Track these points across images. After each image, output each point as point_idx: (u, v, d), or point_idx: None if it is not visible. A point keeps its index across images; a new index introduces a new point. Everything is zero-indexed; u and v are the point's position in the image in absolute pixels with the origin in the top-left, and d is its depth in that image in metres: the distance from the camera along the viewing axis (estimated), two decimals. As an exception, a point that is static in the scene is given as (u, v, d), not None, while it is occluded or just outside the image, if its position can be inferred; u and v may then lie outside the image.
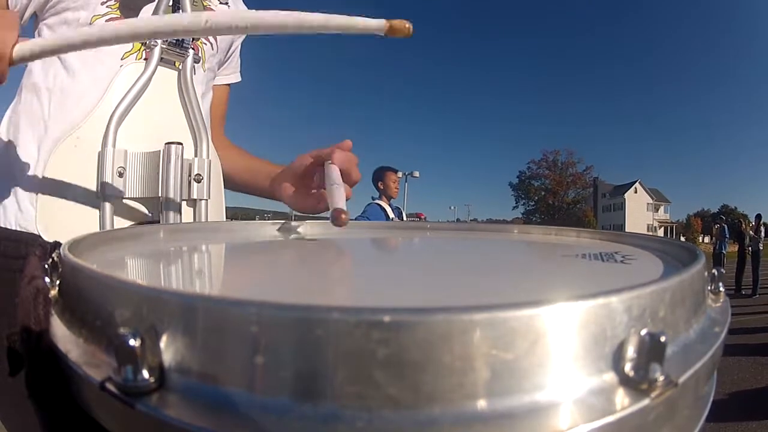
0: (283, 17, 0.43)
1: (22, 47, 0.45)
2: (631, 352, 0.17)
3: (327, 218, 0.50)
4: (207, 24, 0.41)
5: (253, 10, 0.44)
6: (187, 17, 0.43)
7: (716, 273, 0.28)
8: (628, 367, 0.17)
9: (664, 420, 0.17)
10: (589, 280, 0.34)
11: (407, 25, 0.44)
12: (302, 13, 0.43)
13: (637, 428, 0.16)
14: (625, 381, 0.17)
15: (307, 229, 0.60)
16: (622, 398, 0.17)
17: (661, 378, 0.17)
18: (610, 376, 0.17)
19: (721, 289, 0.28)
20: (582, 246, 0.49)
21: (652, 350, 0.17)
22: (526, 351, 0.16)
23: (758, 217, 8.08)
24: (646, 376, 0.17)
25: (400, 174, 3.63)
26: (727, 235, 8.41)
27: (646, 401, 0.16)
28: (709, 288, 0.27)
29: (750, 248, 7.49)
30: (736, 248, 8.04)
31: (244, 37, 0.85)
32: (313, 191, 0.64)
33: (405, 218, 3.95)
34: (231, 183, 0.81)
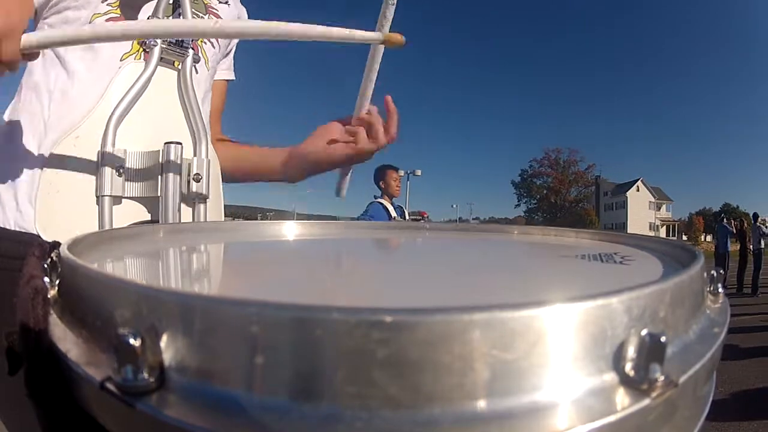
0: (289, 27, 0.48)
1: (29, 36, 0.47)
2: (631, 352, 0.17)
3: (327, 219, 0.50)
4: (216, 26, 0.45)
5: (262, 21, 0.49)
6: (202, 23, 0.48)
7: (715, 274, 0.28)
8: (628, 368, 0.17)
9: (664, 420, 0.17)
10: (589, 280, 0.34)
11: (400, 38, 0.51)
12: (306, 25, 0.48)
13: (636, 428, 0.16)
14: (625, 381, 0.17)
15: (306, 229, 0.60)
16: (622, 398, 0.17)
17: (661, 378, 0.17)
18: (610, 377, 0.17)
19: (720, 290, 0.28)
20: (581, 247, 0.49)
21: (652, 350, 0.17)
22: (526, 351, 0.16)
23: (755, 216, 8.09)
24: (646, 377, 0.17)
25: (401, 172, 3.64)
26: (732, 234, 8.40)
27: (646, 401, 0.16)
28: (708, 289, 0.27)
29: (752, 247, 7.48)
30: (737, 247, 8.03)
31: None
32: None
33: (407, 217, 3.95)
34: (239, 172, 0.82)
